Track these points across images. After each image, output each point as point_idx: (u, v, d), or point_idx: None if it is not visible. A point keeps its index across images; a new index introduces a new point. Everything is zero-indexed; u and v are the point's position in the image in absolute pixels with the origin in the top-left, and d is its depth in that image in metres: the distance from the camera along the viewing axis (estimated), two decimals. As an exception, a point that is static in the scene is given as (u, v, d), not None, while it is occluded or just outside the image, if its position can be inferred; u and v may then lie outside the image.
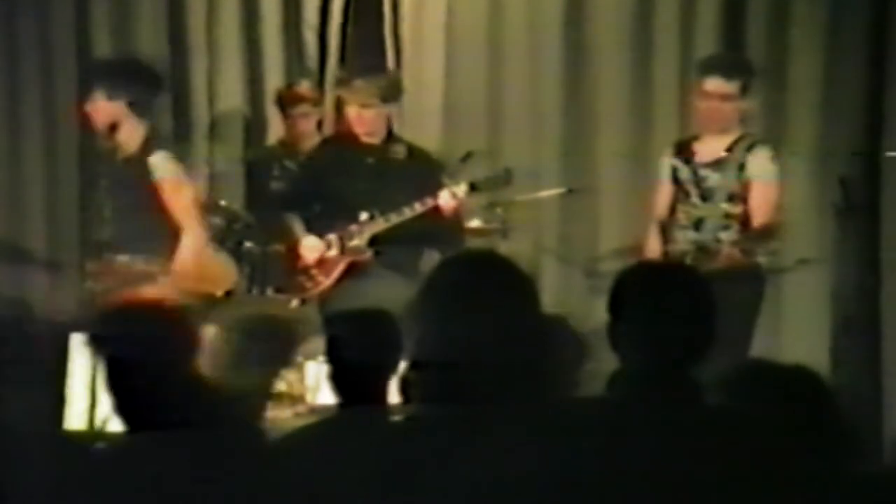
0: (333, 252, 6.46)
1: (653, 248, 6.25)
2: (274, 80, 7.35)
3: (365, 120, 6.39)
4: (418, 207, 6.29)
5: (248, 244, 6.80)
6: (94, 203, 6.39)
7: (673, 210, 6.22)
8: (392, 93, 6.47)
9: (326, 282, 6.47)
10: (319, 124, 7.14)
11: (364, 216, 6.41)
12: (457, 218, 6.36)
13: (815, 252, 6.88)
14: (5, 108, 7.24)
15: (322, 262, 6.48)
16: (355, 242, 6.43)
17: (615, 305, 2.74)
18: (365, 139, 6.43)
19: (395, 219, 6.33)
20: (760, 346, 6.45)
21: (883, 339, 6.93)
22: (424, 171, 6.44)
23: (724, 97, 6.08)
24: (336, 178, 6.44)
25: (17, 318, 7.03)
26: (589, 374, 3.27)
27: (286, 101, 7.05)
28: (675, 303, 2.72)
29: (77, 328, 5.34)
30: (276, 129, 7.24)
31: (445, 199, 6.25)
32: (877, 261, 6.90)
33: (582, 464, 2.56)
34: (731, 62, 6.39)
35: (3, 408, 2.89)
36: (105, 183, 6.26)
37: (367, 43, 7.42)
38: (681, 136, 6.48)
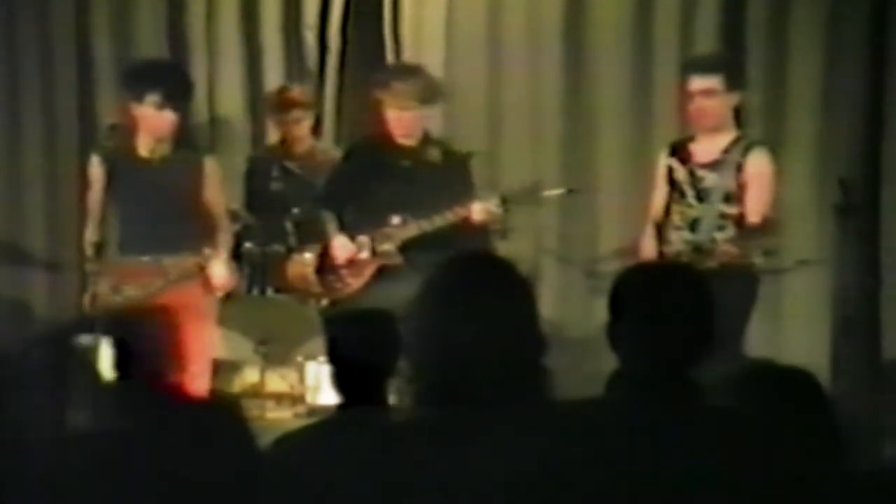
0: (364, 254, 6.44)
1: (648, 249, 6.25)
2: (274, 80, 7.35)
3: (403, 122, 6.38)
4: (450, 217, 6.26)
5: (247, 244, 6.80)
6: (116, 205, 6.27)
7: (668, 211, 6.23)
8: (430, 95, 6.44)
9: (356, 283, 6.44)
10: (316, 127, 7.13)
11: (396, 220, 6.38)
12: (486, 225, 6.33)
13: (815, 252, 6.88)
14: (5, 108, 7.24)
15: (352, 264, 6.46)
16: (386, 246, 6.40)
17: (615, 306, 2.75)
18: (401, 141, 6.42)
19: (426, 226, 6.29)
20: (760, 346, 6.46)
21: (883, 340, 6.93)
22: (457, 174, 6.42)
23: (707, 93, 6.10)
24: (370, 180, 6.43)
25: (18, 319, 7.06)
26: (589, 375, 3.27)
27: (277, 107, 7.02)
28: (674, 303, 2.72)
29: (81, 330, 5.34)
30: (275, 130, 7.23)
31: (478, 213, 6.23)
32: (877, 261, 6.90)
33: (581, 464, 2.56)
34: (708, 59, 6.46)
35: (5, 410, 2.89)
36: (130, 184, 6.15)
37: (367, 43, 7.42)
38: (678, 138, 6.48)
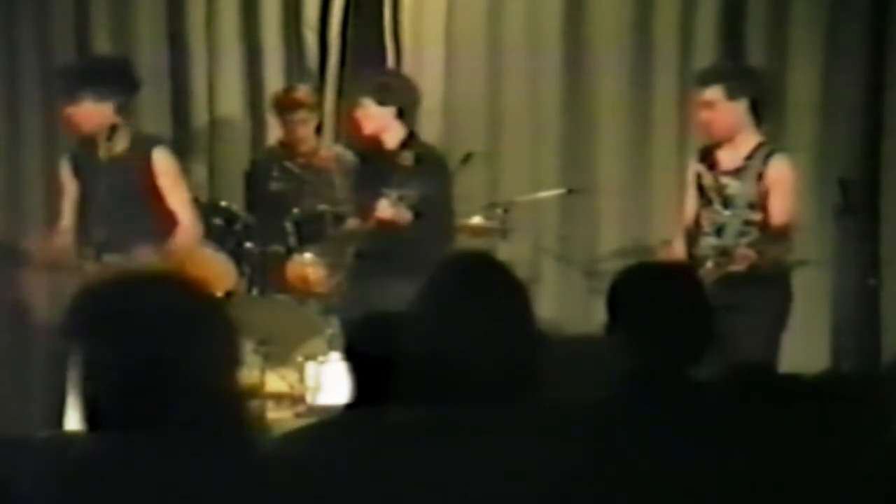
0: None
1: (679, 252, 6.26)
2: (274, 81, 7.34)
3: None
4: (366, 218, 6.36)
5: (247, 245, 6.80)
6: (85, 205, 6.30)
7: (697, 216, 6.23)
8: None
9: (332, 285, 6.58)
10: (318, 128, 7.13)
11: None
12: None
13: (815, 252, 6.88)
14: (5, 108, 7.24)
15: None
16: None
17: (613, 306, 2.75)
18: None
19: (356, 226, 6.44)
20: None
21: (883, 339, 6.93)
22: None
23: (707, 104, 6.08)
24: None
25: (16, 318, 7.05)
26: (589, 375, 3.27)
27: (283, 107, 7.01)
28: (672, 304, 2.72)
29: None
30: (275, 130, 7.23)
31: (381, 210, 6.28)
32: (877, 261, 6.90)
33: (581, 464, 2.56)
34: (708, 69, 6.39)
35: (3, 408, 2.89)
36: (93, 184, 6.18)
37: (367, 43, 7.42)
38: (706, 144, 6.44)
